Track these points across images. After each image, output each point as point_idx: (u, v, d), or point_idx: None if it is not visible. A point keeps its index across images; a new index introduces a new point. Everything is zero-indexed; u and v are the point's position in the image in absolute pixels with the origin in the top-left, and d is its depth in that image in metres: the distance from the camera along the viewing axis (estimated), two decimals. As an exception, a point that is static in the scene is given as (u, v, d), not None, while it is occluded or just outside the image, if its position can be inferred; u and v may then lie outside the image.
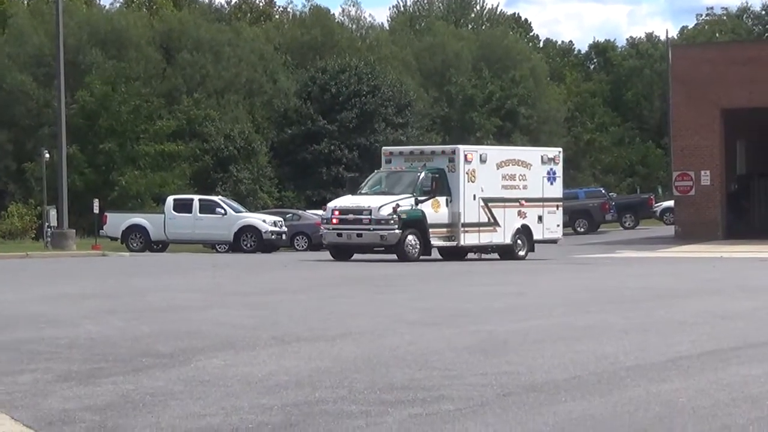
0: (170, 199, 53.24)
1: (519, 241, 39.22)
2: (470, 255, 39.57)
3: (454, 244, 37.81)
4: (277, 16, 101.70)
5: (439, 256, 38.86)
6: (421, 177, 37.14)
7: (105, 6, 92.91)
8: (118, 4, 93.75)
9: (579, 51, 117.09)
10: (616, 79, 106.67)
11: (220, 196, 56.22)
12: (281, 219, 51.88)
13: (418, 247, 36.58)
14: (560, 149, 43.37)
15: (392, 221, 35.99)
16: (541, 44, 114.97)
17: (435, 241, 37.42)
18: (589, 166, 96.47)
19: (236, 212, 51.34)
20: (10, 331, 15.70)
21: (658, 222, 69.98)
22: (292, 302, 20.80)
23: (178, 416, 9.49)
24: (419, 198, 36.70)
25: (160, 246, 51.66)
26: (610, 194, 73.42)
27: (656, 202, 72.16)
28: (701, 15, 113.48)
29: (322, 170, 73.39)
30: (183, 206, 51.36)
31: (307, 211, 58.55)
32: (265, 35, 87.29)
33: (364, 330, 15.76)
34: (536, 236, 39.77)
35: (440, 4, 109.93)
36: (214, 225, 50.27)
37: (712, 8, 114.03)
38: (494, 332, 15.35)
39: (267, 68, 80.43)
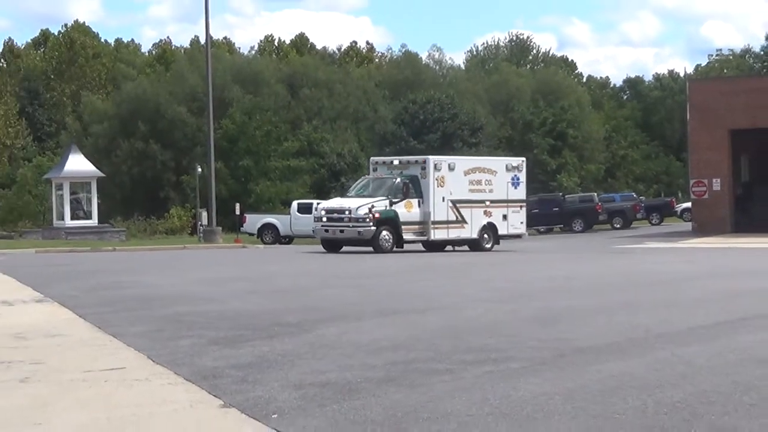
0: (295, 203, 53.52)
1: (485, 236, 37.22)
2: (448, 248, 37.60)
3: (425, 238, 35.94)
4: (377, 60, 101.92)
5: (423, 249, 36.90)
6: (395, 182, 35.58)
7: (244, 53, 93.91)
8: (253, 52, 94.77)
9: (615, 84, 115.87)
10: (644, 106, 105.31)
11: (333, 201, 56.32)
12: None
13: (391, 241, 34.88)
14: (523, 159, 40.56)
15: (368, 219, 34.45)
16: (585, 79, 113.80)
17: (408, 236, 35.42)
18: (623, 176, 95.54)
19: (346, 213, 51.38)
20: (173, 306, 15.90)
21: (679, 220, 69.14)
22: (386, 284, 20.80)
23: (302, 372, 9.54)
24: (393, 200, 35.07)
25: (287, 240, 51.93)
26: (641, 198, 72.76)
27: (677, 204, 71.45)
28: (712, 55, 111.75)
29: (413, 181, 73.20)
30: (305, 209, 51.51)
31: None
32: (368, 75, 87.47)
33: (446, 305, 15.74)
34: (501, 232, 37.70)
35: (505, 49, 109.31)
36: (329, 223, 50.32)
37: (721, 49, 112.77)
38: (549, 307, 15.26)
39: (369, 100, 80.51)
